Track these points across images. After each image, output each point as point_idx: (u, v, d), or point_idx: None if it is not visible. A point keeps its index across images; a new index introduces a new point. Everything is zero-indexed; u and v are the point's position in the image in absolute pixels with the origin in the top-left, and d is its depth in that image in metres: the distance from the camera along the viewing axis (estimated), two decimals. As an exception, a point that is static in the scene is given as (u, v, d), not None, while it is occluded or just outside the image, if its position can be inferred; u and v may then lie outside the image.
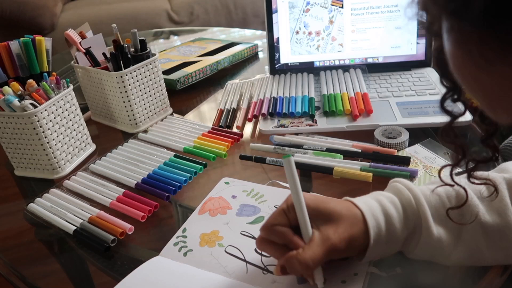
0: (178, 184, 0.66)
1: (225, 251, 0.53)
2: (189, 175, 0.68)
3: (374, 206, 0.45)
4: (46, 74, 0.72)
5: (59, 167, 0.72)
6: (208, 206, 0.61)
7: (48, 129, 0.69)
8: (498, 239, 0.44)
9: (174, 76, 0.97)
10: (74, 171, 0.73)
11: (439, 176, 0.44)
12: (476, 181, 0.42)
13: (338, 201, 0.46)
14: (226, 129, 0.82)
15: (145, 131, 0.83)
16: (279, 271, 0.44)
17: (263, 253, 0.51)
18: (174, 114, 0.91)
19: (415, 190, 0.46)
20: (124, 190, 0.66)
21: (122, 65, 0.80)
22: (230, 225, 0.57)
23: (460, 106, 0.37)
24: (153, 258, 0.53)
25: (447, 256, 0.45)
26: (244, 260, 0.51)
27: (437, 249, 0.45)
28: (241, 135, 0.78)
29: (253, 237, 0.54)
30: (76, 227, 0.59)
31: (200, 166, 0.69)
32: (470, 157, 0.39)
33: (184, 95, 0.98)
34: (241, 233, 0.55)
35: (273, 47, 0.95)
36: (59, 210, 0.63)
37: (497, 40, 0.21)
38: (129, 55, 0.80)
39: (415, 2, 0.25)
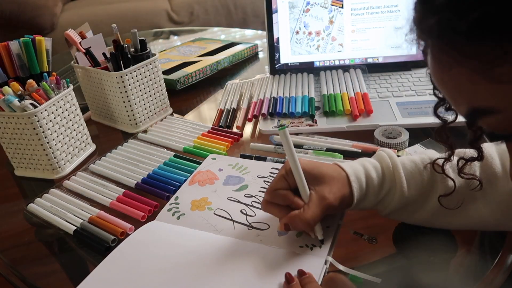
0: (178, 184, 0.66)
1: (214, 213, 0.58)
2: (189, 175, 0.68)
3: (359, 170, 0.51)
4: (46, 74, 0.72)
5: (59, 167, 0.72)
6: (197, 178, 0.66)
7: (48, 129, 0.69)
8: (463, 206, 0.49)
9: (174, 76, 0.97)
10: (74, 171, 0.73)
11: (433, 167, 0.49)
12: (465, 176, 0.47)
13: (329, 165, 0.52)
14: (226, 129, 0.82)
15: (145, 131, 0.83)
16: (283, 228, 0.49)
17: (248, 214, 0.58)
18: (174, 114, 0.91)
19: (394, 157, 0.52)
20: (124, 190, 0.66)
21: (122, 65, 0.80)
22: (218, 193, 0.62)
23: (451, 113, 0.43)
24: (149, 222, 0.58)
25: (412, 214, 0.51)
26: (231, 220, 0.57)
27: (404, 207, 0.51)
28: (241, 135, 0.78)
29: (239, 201, 0.60)
30: (76, 227, 0.59)
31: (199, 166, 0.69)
32: (459, 156, 0.46)
33: (184, 95, 0.98)
34: (228, 199, 0.61)
35: (273, 47, 0.95)
36: (59, 210, 0.63)
37: (453, 50, 0.29)
38: (129, 55, 0.80)
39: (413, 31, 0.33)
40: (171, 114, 0.90)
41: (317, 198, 0.48)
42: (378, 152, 0.54)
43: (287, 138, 0.48)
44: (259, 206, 0.58)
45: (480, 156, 0.44)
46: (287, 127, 0.77)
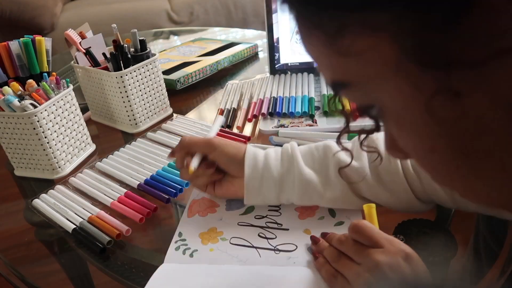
0: (180, 187, 0.65)
1: (230, 243, 0.53)
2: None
3: (258, 149, 0.57)
4: (46, 74, 0.72)
5: (59, 167, 0.72)
6: (195, 208, 0.60)
7: (48, 129, 0.69)
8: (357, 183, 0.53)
9: (174, 76, 0.97)
10: (74, 171, 0.73)
11: (337, 141, 0.47)
12: (365, 149, 0.46)
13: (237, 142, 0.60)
14: (236, 131, 0.80)
15: (154, 131, 0.83)
16: (169, 154, 0.61)
17: (268, 237, 0.54)
18: (174, 114, 0.91)
19: (293, 144, 0.57)
20: (126, 190, 0.66)
21: (122, 65, 0.80)
22: (225, 220, 0.58)
23: None
24: (160, 268, 0.51)
25: (321, 197, 0.54)
26: (253, 247, 0.52)
27: (310, 189, 0.53)
28: (249, 138, 0.76)
29: (252, 225, 0.56)
30: (75, 226, 0.59)
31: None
32: (361, 129, 0.42)
33: (184, 95, 0.98)
34: (238, 224, 0.56)
35: (273, 47, 0.95)
36: (61, 207, 0.63)
37: (307, 20, 0.27)
38: (129, 55, 0.80)
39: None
40: (171, 114, 0.90)
41: (208, 138, 0.58)
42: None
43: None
44: (276, 226, 0.55)
45: (377, 127, 0.39)
46: (287, 126, 0.77)
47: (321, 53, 0.28)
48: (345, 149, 0.48)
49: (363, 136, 0.43)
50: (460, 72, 0.23)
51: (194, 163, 0.56)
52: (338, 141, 0.45)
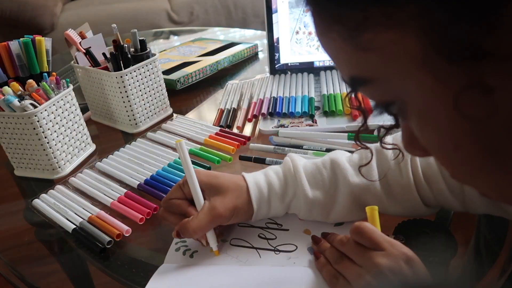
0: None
1: (231, 244, 0.54)
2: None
3: (260, 178, 0.53)
4: (46, 74, 0.72)
5: (59, 167, 0.72)
6: None
7: (48, 129, 0.69)
8: (365, 197, 0.51)
9: (174, 76, 0.97)
10: (74, 171, 0.73)
11: (355, 139, 0.47)
12: (387, 146, 0.46)
13: (229, 176, 0.53)
14: (236, 131, 0.80)
15: (154, 131, 0.83)
16: (175, 235, 0.50)
17: (268, 237, 0.54)
18: (174, 114, 0.91)
19: (297, 161, 0.53)
20: (126, 190, 0.66)
21: (122, 65, 0.80)
22: None
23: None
24: (159, 268, 0.51)
25: (327, 215, 0.53)
26: (253, 247, 0.52)
27: (315, 209, 0.52)
28: (249, 138, 0.76)
29: (252, 226, 0.56)
30: (75, 226, 0.59)
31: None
32: (380, 126, 0.42)
33: (184, 95, 0.98)
34: (238, 225, 0.56)
35: (273, 47, 0.95)
36: (61, 207, 0.63)
37: (327, 13, 0.26)
38: (129, 55, 0.80)
39: None
40: (171, 114, 0.90)
41: (207, 208, 0.49)
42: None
43: (184, 150, 0.50)
44: (276, 226, 0.55)
45: (397, 124, 0.38)
46: (287, 126, 0.77)
47: (340, 49, 0.27)
48: (364, 147, 0.46)
49: (382, 132, 0.42)
50: (494, 66, 0.22)
51: (213, 245, 0.51)
52: (357, 138, 0.44)
